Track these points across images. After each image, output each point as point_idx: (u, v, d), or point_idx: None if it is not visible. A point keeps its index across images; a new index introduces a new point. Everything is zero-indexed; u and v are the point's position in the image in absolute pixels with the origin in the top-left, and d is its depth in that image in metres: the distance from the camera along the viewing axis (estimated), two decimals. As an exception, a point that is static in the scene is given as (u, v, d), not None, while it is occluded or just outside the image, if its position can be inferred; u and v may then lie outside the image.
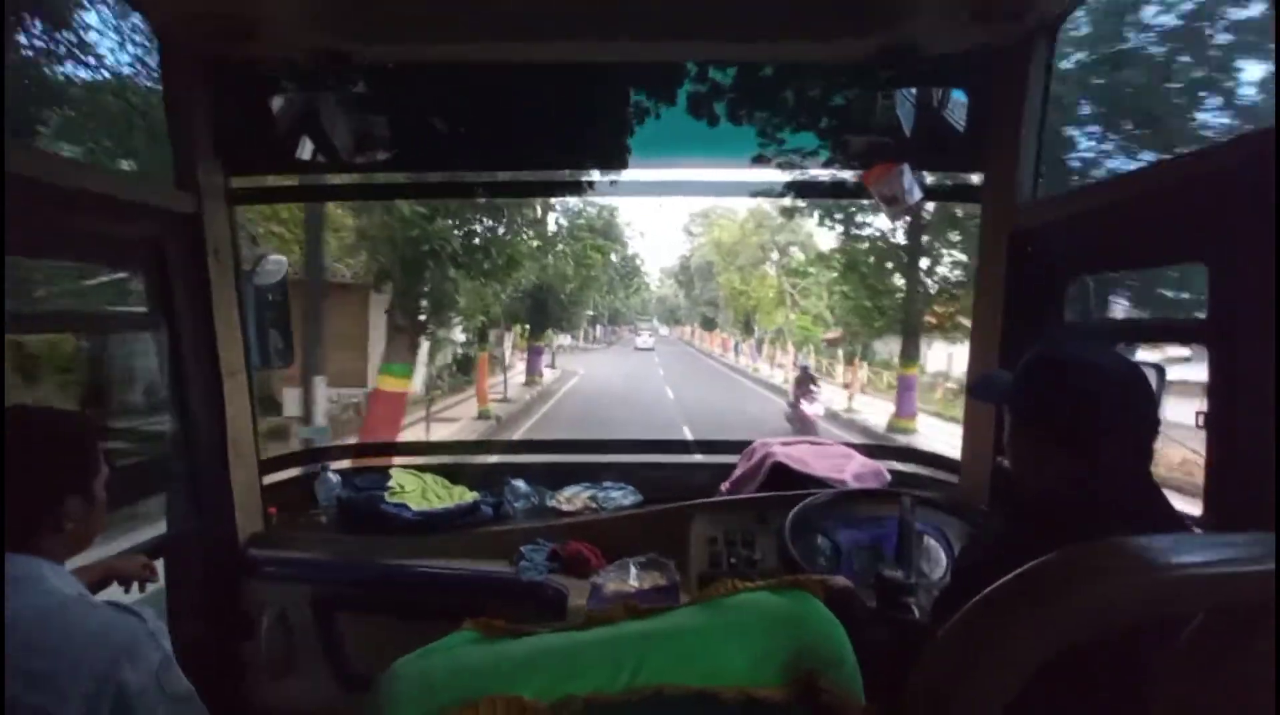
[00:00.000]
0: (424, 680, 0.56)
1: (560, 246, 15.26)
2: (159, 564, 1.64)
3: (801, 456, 2.15)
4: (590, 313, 33.71)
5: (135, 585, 1.45)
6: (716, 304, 36.77)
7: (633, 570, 1.87)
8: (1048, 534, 0.84)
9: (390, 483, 2.11)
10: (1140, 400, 1.03)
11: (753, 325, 29.52)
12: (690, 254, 43.02)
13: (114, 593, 1.39)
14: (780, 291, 28.92)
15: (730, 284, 31.68)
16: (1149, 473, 1.01)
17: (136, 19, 5.41)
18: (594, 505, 2.15)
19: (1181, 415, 1.44)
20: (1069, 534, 0.67)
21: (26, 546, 1.00)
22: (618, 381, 21.26)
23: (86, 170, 1.47)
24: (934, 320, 13.43)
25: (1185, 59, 6.24)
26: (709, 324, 40.78)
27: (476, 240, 9.20)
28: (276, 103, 1.66)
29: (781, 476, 2.08)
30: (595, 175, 2.25)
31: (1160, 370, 1.52)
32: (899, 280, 13.42)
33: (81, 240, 1.56)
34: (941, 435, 11.00)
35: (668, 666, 0.54)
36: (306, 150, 1.74)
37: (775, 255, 32.03)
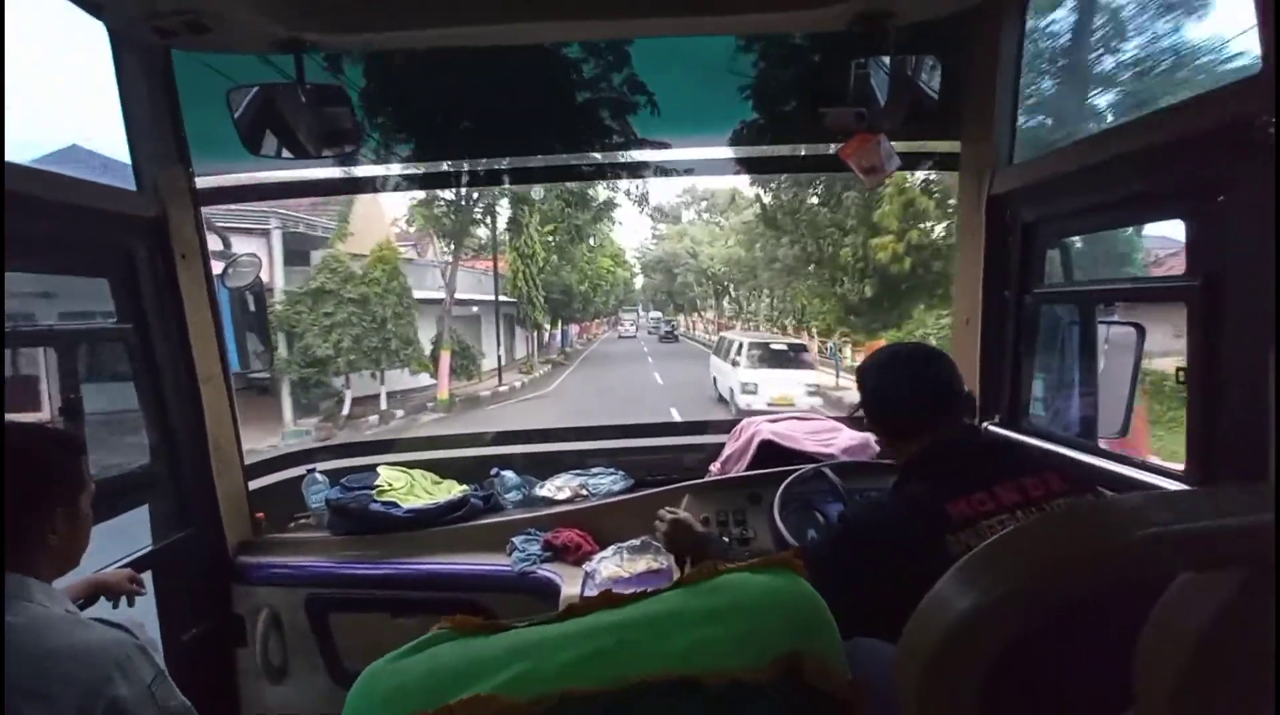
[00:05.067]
0: (397, 684, 0.54)
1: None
2: (147, 576, 1.62)
3: (789, 432, 2.15)
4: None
5: (124, 599, 1.44)
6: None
7: (626, 555, 1.86)
8: (912, 501, 1.11)
9: (378, 481, 2.09)
10: (918, 371, 1.22)
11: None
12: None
13: (103, 609, 1.37)
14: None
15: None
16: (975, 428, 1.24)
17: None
18: (584, 492, 2.15)
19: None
20: (928, 498, 1.04)
21: (14, 563, 0.99)
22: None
23: (39, 176, 1.41)
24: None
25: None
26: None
27: None
28: (238, 97, 1.62)
29: (770, 453, 2.08)
30: (567, 159, 2.22)
31: (1140, 329, 1.55)
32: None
33: (42, 249, 1.51)
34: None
35: (648, 654, 0.53)
36: (272, 146, 1.70)
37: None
